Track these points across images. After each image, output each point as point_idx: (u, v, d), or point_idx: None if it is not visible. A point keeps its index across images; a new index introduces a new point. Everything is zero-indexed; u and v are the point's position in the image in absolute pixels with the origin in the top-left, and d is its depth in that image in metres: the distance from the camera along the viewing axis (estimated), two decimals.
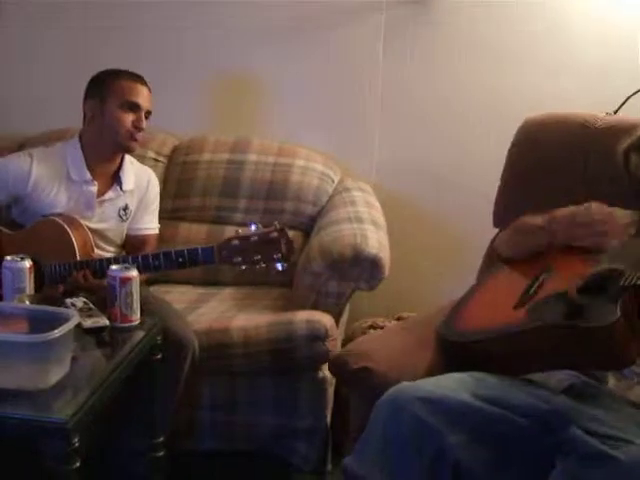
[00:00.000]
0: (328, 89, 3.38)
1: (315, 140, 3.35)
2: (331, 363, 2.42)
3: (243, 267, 2.35)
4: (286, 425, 2.70)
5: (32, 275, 2.26)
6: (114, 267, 2.26)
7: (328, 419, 2.71)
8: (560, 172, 2.57)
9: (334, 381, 2.70)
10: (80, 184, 2.70)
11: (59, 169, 2.70)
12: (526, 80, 3.20)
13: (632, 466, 1.62)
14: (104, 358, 2.18)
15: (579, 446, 1.68)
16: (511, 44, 3.21)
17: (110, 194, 2.74)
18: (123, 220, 2.79)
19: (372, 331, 2.98)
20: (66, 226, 2.56)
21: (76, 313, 2.00)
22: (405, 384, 1.85)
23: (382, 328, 2.97)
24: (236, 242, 2.34)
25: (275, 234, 2.33)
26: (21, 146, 3.13)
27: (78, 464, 1.78)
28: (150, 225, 2.88)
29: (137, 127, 2.68)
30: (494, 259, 2.36)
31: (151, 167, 3.02)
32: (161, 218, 2.96)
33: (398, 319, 3.08)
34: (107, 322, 2.20)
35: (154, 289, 2.91)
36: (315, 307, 2.73)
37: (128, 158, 2.80)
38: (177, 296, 2.95)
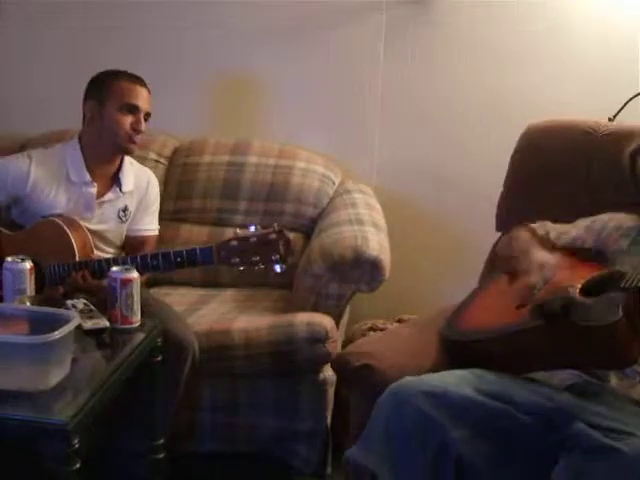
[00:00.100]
0: (328, 89, 3.38)
1: (315, 140, 3.34)
2: (333, 361, 2.42)
3: (241, 268, 2.35)
4: (287, 427, 2.70)
5: (33, 276, 2.26)
6: (115, 269, 2.25)
7: (328, 421, 2.71)
8: (563, 179, 2.58)
9: (334, 383, 2.70)
10: (79, 185, 2.69)
11: (58, 170, 2.70)
12: (526, 80, 3.20)
13: (635, 458, 1.63)
14: (104, 360, 2.17)
15: (582, 440, 1.69)
16: (511, 44, 3.21)
17: (110, 195, 2.74)
18: (123, 221, 2.78)
19: (372, 333, 2.98)
20: (65, 227, 2.56)
21: (76, 314, 2.00)
22: (408, 378, 1.86)
23: (382, 330, 2.97)
24: (235, 243, 2.33)
25: (274, 235, 2.32)
26: (22, 147, 3.12)
27: (78, 465, 1.77)
28: (150, 226, 2.87)
29: (136, 129, 2.67)
30: (495, 264, 2.39)
31: (152, 168, 3.02)
32: (162, 219, 2.96)
33: (399, 321, 3.08)
34: (107, 324, 2.20)
35: (154, 291, 2.91)
36: (315, 309, 2.72)
37: (128, 159, 2.79)
38: (177, 298, 2.95)
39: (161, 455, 2.40)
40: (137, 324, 2.24)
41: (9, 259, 2.25)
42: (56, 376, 1.87)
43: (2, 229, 2.67)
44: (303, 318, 2.65)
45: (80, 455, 1.77)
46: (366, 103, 3.35)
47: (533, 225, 2.29)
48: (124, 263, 2.38)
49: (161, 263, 2.42)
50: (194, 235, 3.17)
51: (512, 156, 2.68)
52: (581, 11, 3.14)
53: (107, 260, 2.48)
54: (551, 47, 3.18)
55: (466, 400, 1.79)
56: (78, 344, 2.01)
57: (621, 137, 2.50)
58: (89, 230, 2.64)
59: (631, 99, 2.93)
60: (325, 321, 2.64)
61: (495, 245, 2.54)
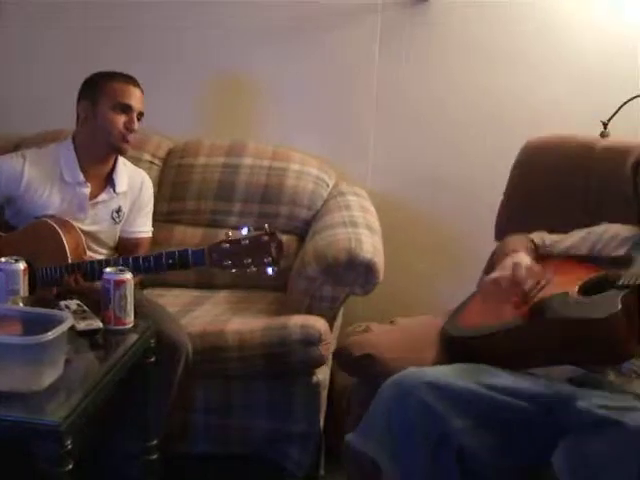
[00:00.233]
0: (323, 90, 3.38)
1: (310, 142, 3.34)
2: (335, 352, 2.44)
3: (233, 270, 2.34)
4: (280, 429, 2.69)
5: (26, 277, 2.25)
6: (108, 270, 2.25)
7: (321, 424, 2.70)
8: (562, 194, 2.60)
9: (328, 386, 2.70)
10: (73, 186, 2.69)
11: (52, 170, 2.69)
12: (520, 81, 3.21)
13: (638, 430, 1.62)
14: (97, 361, 2.17)
15: (584, 417, 1.69)
16: (506, 45, 3.21)
17: (103, 196, 2.73)
18: (116, 222, 2.77)
19: None
20: (58, 228, 2.55)
21: (70, 315, 1.99)
22: (411, 369, 1.88)
23: None
24: (227, 245, 2.32)
25: (266, 238, 2.31)
26: (16, 146, 3.12)
27: (71, 466, 1.77)
28: (143, 228, 2.86)
29: (129, 128, 2.67)
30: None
31: (146, 170, 3.01)
32: (156, 221, 2.96)
33: (392, 323, 3.07)
34: (101, 325, 2.19)
35: (148, 292, 2.91)
36: (309, 311, 2.72)
37: (121, 160, 2.78)
38: (171, 299, 2.94)
39: (154, 456, 2.40)
40: (130, 325, 2.24)
41: (3, 260, 2.24)
42: (49, 377, 1.87)
43: None
44: (297, 320, 2.65)
45: (73, 456, 1.77)
46: (361, 105, 3.35)
47: (530, 235, 2.33)
48: (116, 264, 2.38)
49: (153, 264, 2.41)
50: (188, 237, 3.16)
51: (511, 171, 2.71)
52: (574, 12, 3.15)
53: (99, 262, 2.47)
54: (544, 48, 3.19)
55: (469, 392, 1.81)
56: (71, 345, 2.01)
57: (619, 152, 2.53)
58: (82, 231, 2.64)
59: (625, 103, 2.94)
60: (319, 323, 2.63)
61: (493, 253, 2.55)
